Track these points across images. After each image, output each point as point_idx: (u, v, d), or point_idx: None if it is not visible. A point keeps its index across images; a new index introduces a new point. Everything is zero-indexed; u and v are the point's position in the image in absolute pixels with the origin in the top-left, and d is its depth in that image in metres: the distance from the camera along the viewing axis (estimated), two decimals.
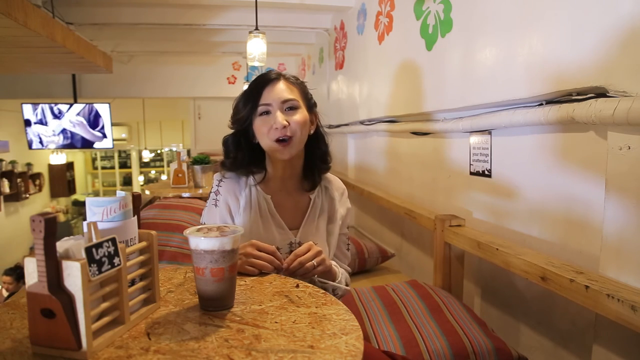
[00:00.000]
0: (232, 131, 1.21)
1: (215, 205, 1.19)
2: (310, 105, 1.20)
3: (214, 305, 0.79)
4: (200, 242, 0.78)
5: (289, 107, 1.13)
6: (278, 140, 1.11)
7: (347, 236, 1.32)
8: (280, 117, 1.10)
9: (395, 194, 2.63)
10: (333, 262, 1.19)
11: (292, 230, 1.19)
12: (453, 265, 1.79)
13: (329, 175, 1.30)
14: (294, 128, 1.12)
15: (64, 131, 6.09)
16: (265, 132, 1.12)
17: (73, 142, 6.21)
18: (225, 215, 1.19)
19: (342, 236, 1.29)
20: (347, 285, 1.23)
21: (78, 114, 6.05)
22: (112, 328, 0.68)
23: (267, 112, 1.12)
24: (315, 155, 1.23)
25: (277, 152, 1.13)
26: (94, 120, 6.13)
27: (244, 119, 1.14)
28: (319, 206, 1.23)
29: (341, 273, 1.21)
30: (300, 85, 1.18)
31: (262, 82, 1.13)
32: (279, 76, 1.14)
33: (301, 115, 1.14)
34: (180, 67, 5.85)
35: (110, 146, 6.44)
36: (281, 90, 1.12)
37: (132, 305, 0.74)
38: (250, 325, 0.73)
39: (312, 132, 1.21)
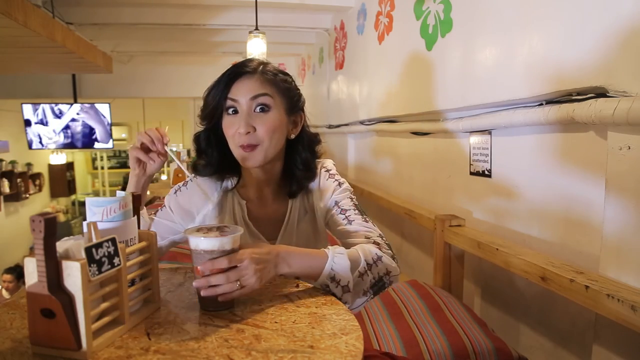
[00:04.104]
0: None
1: (170, 210, 1.09)
2: (293, 106, 1.04)
3: (214, 305, 0.78)
4: (200, 242, 0.78)
5: (260, 107, 0.97)
6: (242, 146, 0.98)
7: (341, 210, 1.05)
8: (244, 123, 0.96)
9: (395, 194, 2.63)
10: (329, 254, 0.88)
11: (270, 241, 1.06)
12: (453, 265, 1.79)
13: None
14: (260, 135, 0.97)
15: (64, 131, 6.09)
16: (230, 135, 0.99)
17: (73, 141, 6.21)
18: (179, 218, 1.08)
19: (333, 218, 1.07)
20: (374, 271, 0.90)
21: (79, 112, 6.05)
22: (112, 328, 0.68)
23: (235, 111, 0.98)
24: (295, 162, 1.08)
25: (239, 158, 1.00)
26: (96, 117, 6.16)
27: (212, 114, 1.01)
28: (297, 210, 1.09)
29: (333, 261, 0.86)
30: (281, 82, 1.01)
31: (234, 73, 0.98)
32: (255, 70, 0.99)
33: (273, 118, 0.98)
34: (180, 67, 5.85)
35: (110, 146, 6.44)
36: (253, 84, 0.97)
37: (132, 305, 0.74)
38: (250, 325, 0.73)
39: (292, 136, 1.06)
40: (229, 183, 1.09)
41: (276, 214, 1.09)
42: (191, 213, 1.08)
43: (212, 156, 1.06)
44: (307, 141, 1.09)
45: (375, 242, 0.97)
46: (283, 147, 1.06)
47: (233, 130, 0.98)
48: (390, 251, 0.97)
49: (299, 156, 1.08)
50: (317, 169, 1.12)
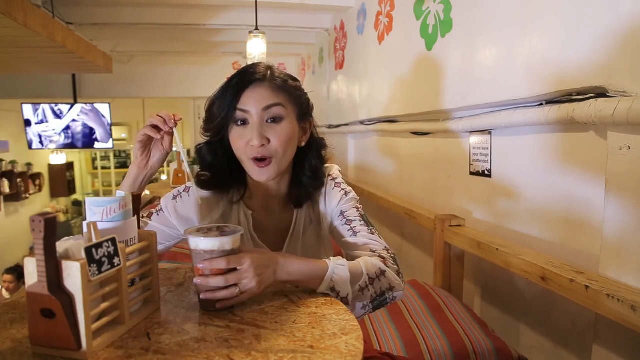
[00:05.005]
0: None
1: (167, 212, 1.04)
2: (304, 113, 1.00)
3: (213, 305, 0.78)
4: (199, 241, 0.78)
5: (272, 118, 0.93)
6: (255, 159, 0.94)
7: (346, 220, 1.03)
8: (257, 135, 0.91)
9: (395, 194, 2.63)
10: (331, 264, 0.87)
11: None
12: (453, 265, 1.79)
13: None
14: (274, 147, 0.93)
15: (65, 131, 6.09)
16: (241, 147, 0.94)
17: (73, 142, 6.21)
18: (178, 225, 1.04)
19: (338, 228, 1.05)
20: (375, 283, 0.88)
21: (79, 113, 6.05)
22: (112, 328, 0.68)
23: (244, 122, 0.94)
24: (304, 170, 1.04)
25: (253, 173, 0.96)
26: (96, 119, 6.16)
27: (220, 126, 0.96)
28: (303, 220, 1.06)
29: (333, 272, 0.85)
30: (291, 88, 0.97)
31: (242, 82, 0.93)
32: (264, 77, 0.94)
33: (286, 128, 0.94)
34: (180, 67, 5.85)
35: (110, 146, 6.45)
36: (264, 94, 0.92)
37: (132, 305, 0.74)
38: (250, 325, 0.73)
39: (303, 144, 1.02)
40: (235, 193, 1.04)
41: (282, 224, 1.06)
42: (192, 221, 1.04)
43: (220, 169, 1.01)
44: (315, 148, 1.05)
45: (380, 256, 0.94)
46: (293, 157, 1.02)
47: (244, 142, 0.94)
48: (395, 266, 0.95)
49: (308, 164, 1.04)
50: (324, 177, 1.09)
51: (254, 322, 0.74)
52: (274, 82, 0.95)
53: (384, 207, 2.58)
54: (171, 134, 0.98)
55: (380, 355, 1.09)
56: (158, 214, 1.06)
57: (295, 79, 1.00)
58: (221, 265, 0.76)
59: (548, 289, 1.20)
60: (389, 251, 0.98)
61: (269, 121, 0.94)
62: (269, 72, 0.96)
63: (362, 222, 1.03)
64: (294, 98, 0.97)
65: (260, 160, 0.94)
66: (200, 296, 0.78)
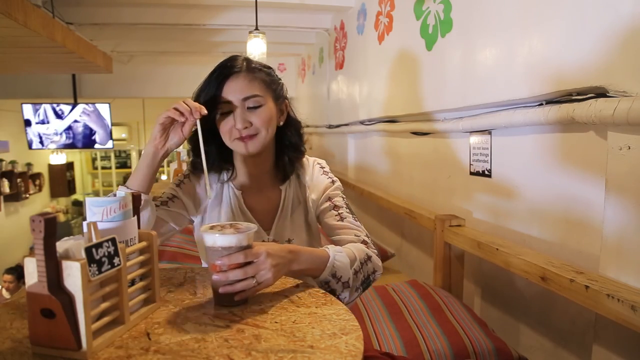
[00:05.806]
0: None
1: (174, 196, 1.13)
2: (278, 96, 1.12)
3: (231, 299, 0.80)
4: (217, 239, 0.80)
5: (251, 105, 1.05)
6: (241, 138, 1.05)
7: (334, 206, 1.14)
8: (240, 120, 1.03)
9: (395, 194, 2.63)
10: (329, 250, 0.95)
11: (265, 231, 1.13)
12: (453, 265, 1.79)
13: (304, 160, 1.21)
14: (257, 126, 1.05)
15: (66, 131, 6.09)
16: (227, 132, 1.06)
17: (74, 142, 6.21)
18: (191, 207, 1.13)
19: (324, 212, 1.14)
20: (361, 267, 0.98)
21: (81, 114, 6.05)
22: (112, 328, 0.68)
23: (229, 112, 1.05)
24: (285, 146, 1.15)
25: (239, 148, 1.07)
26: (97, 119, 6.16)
27: (206, 117, 1.04)
28: (291, 199, 1.16)
29: (335, 259, 0.94)
30: (266, 76, 1.08)
31: (222, 75, 1.05)
32: (241, 68, 1.06)
33: (265, 111, 1.06)
34: (180, 67, 5.84)
35: (111, 146, 6.44)
36: (242, 85, 1.04)
37: (132, 305, 0.74)
38: (250, 325, 0.73)
39: (281, 123, 1.14)
40: (225, 175, 1.16)
41: (270, 202, 1.15)
42: (196, 202, 1.15)
43: (211, 153, 1.11)
44: (294, 126, 1.17)
45: (363, 241, 1.07)
46: (274, 136, 1.12)
47: (229, 126, 1.05)
48: (375, 250, 1.07)
49: (288, 141, 1.15)
50: (310, 162, 1.21)
51: (254, 322, 0.74)
52: (251, 72, 1.06)
53: (384, 207, 2.58)
54: (193, 123, 1.04)
55: (380, 355, 1.09)
56: (174, 201, 1.13)
57: (269, 67, 1.13)
58: (239, 259, 0.79)
59: (548, 289, 1.20)
60: (369, 237, 1.10)
61: (249, 108, 1.05)
62: (245, 64, 1.07)
63: (348, 210, 1.15)
64: (269, 84, 1.09)
65: (245, 137, 1.05)
66: (220, 290, 0.80)
